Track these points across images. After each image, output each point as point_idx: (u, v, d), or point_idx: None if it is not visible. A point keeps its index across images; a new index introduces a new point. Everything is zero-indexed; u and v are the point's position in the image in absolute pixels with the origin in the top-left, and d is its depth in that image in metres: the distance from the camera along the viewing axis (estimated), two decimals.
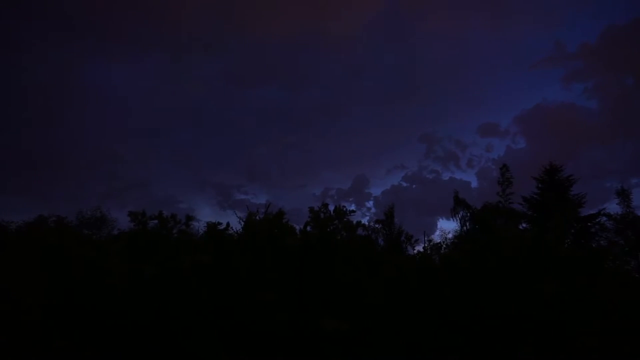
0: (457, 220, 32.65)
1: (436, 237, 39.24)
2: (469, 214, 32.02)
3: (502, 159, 62.29)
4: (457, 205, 32.73)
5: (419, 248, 30.14)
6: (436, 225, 67.14)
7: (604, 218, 31.57)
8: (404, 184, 66.43)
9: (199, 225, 27.74)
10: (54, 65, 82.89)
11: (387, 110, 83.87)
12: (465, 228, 31.70)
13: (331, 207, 26.50)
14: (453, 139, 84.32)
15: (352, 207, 29.54)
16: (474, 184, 63.20)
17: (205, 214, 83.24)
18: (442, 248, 29.67)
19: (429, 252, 28.63)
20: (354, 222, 26.56)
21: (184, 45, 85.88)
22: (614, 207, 32.75)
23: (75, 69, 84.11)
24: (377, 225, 29.91)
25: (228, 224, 25.21)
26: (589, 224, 31.62)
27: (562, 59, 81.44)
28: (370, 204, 65.15)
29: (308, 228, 25.14)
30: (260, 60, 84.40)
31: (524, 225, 32.07)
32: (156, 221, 26.40)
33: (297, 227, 25.28)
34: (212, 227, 25.58)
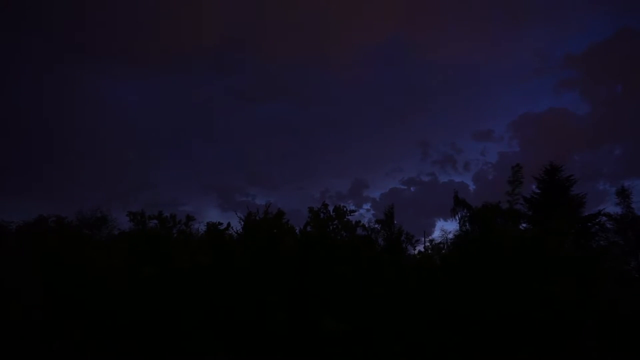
0: (456, 220, 32.58)
1: (436, 238, 39.20)
2: (468, 214, 31.95)
3: (497, 162, 63.54)
4: (457, 205, 32.63)
5: (420, 248, 30.05)
6: (435, 226, 67.55)
7: (604, 218, 31.47)
8: (402, 187, 66.88)
9: (200, 226, 27.49)
10: (61, 73, 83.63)
11: (386, 120, 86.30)
12: (465, 228, 31.62)
13: (330, 208, 26.25)
14: (449, 143, 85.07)
15: (352, 207, 29.42)
16: (471, 187, 63.73)
17: (210, 216, 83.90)
18: (443, 248, 29.57)
19: (429, 252, 28.53)
20: (354, 221, 26.32)
21: (193, 61, 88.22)
22: (609, 209, 32.67)
23: (85, 77, 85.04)
24: (376, 226, 29.78)
25: (228, 224, 24.89)
26: (589, 224, 31.52)
27: (551, 69, 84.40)
28: (368, 205, 65.94)
29: (308, 228, 24.99)
30: (268, 78, 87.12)
31: (524, 225, 32.01)
32: (156, 221, 26.05)
33: (297, 228, 25.19)
34: (212, 227, 25.37)
